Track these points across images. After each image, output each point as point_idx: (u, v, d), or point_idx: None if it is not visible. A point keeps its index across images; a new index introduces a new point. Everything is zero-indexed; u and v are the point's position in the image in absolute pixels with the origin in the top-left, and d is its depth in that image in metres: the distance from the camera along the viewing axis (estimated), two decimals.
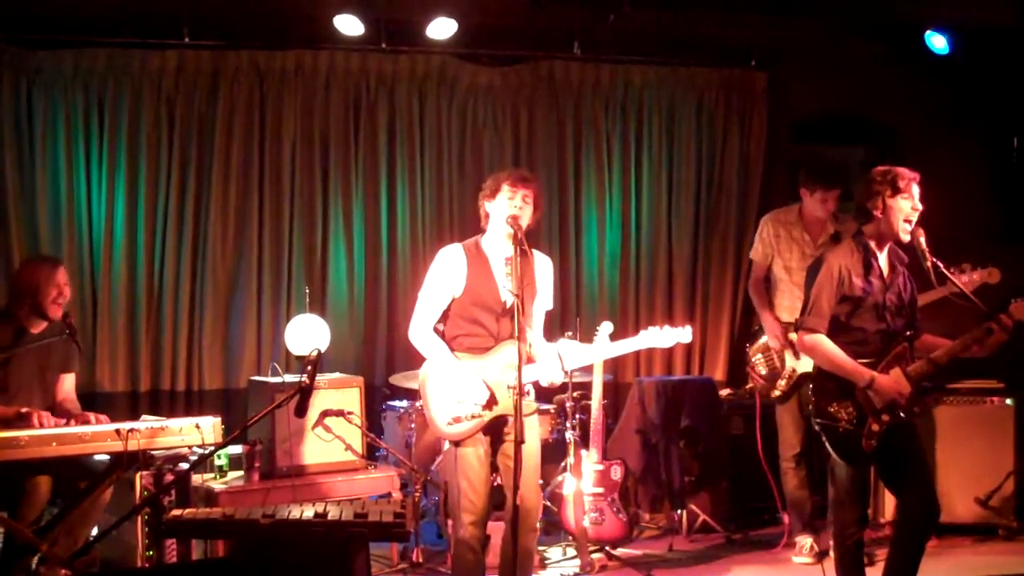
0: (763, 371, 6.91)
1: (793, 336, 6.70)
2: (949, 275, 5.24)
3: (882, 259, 5.21)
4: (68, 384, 6.05)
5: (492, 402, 5.03)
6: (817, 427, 5.18)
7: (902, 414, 5.05)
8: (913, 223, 5.12)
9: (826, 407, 5.11)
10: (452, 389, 5.08)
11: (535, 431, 5.16)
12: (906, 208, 5.10)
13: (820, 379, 5.22)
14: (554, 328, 7.75)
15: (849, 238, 5.31)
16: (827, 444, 5.17)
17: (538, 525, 5.42)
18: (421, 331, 5.16)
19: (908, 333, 5.21)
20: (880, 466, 5.28)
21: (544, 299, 5.33)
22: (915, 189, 5.14)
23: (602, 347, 5.78)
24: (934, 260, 5.18)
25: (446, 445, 5.13)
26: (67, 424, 5.59)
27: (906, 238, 5.15)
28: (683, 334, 5.49)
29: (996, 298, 5.34)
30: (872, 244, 5.20)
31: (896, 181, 5.12)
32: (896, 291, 5.21)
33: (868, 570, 5.60)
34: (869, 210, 5.16)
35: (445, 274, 5.15)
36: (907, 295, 5.26)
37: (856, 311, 5.15)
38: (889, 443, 5.07)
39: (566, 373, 5.19)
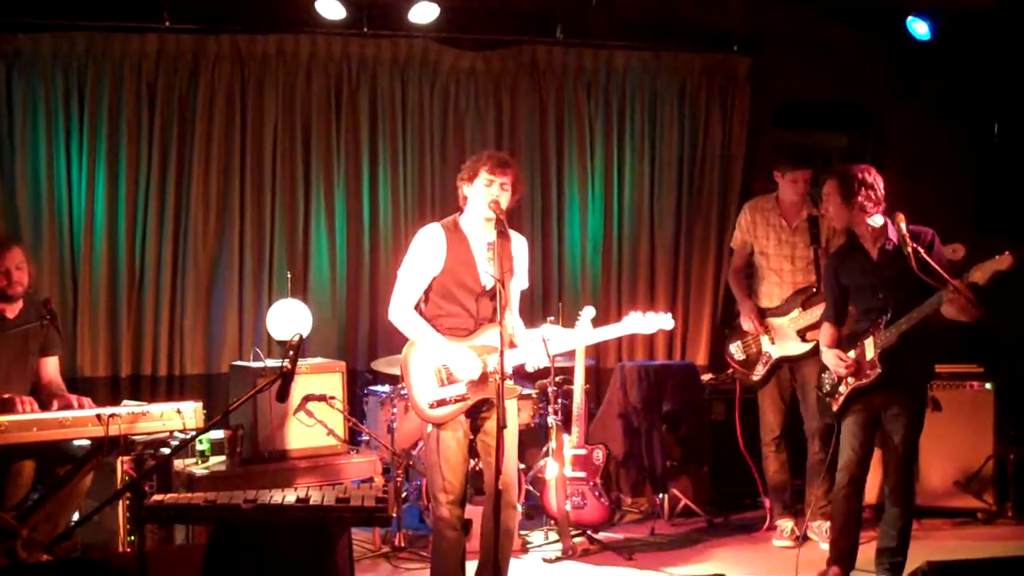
0: (740, 357, 6.94)
1: (770, 320, 6.76)
2: (929, 260, 5.27)
3: (872, 243, 5.58)
4: (52, 367, 6.03)
5: (480, 384, 5.05)
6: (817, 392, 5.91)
7: (860, 378, 5.55)
8: (836, 227, 6.03)
9: (821, 374, 5.83)
10: (441, 368, 5.09)
11: (513, 413, 5.19)
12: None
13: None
14: (536, 312, 7.81)
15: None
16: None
17: (518, 506, 5.44)
18: (403, 311, 5.17)
19: (907, 305, 5.44)
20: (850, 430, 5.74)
21: (520, 279, 5.34)
22: (831, 192, 5.61)
23: (584, 333, 5.79)
24: (915, 245, 5.24)
25: (429, 428, 5.14)
26: (49, 408, 5.59)
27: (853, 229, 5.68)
28: (665, 320, 5.50)
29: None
30: (904, 232, 5.43)
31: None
32: (890, 267, 5.50)
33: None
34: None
35: (425, 252, 5.15)
36: (906, 268, 5.37)
37: (852, 296, 5.73)
38: (874, 410, 5.61)
39: (550, 358, 5.20)
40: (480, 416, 5.18)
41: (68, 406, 5.63)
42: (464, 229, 5.20)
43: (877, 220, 5.54)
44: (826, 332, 5.82)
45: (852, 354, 5.59)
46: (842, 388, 5.62)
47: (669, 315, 5.51)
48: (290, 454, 6.24)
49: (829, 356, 5.68)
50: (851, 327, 5.74)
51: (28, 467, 5.57)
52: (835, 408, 5.66)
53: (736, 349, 6.97)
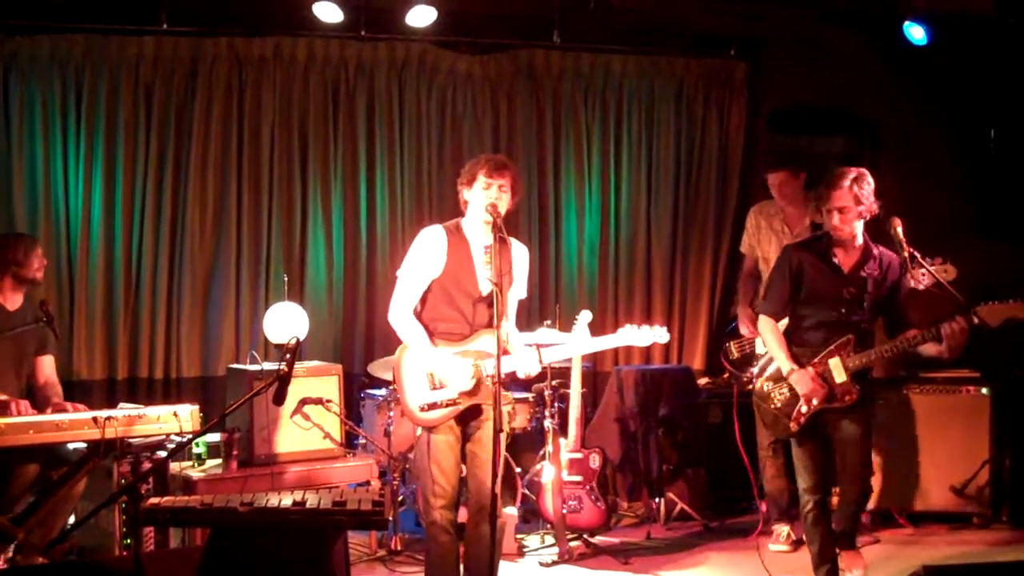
0: (735, 357, 6.97)
1: None
2: (925, 265, 5.28)
3: (844, 254, 5.38)
4: (48, 367, 6.04)
5: (473, 391, 5.04)
6: (753, 402, 5.64)
7: (834, 401, 5.36)
8: (836, 225, 5.31)
9: (762, 385, 5.60)
10: (432, 374, 5.08)
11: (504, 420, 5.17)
12: (828, 218, 5.33)
13: (764, 360, 5.64)
14: (533, 316, 7.81)
15: (813, 232, 5.52)
16: (758, 418, 5.69)
17: (508, 510, 5.44)
18: (401, 314, 5.15)
19: (863, 326, 5.39)
20: (810, 445, 5.55)
21: (519, 288, 5.33)
22: (835, 195, 5.27)
23: (579, 343, 5.81)
24: (911, 250, 5.23)
25: (418, 430, 5.15)
26: (44, 411, 5.59)
27: (842, 233, 5.33)
28: (660, 334, 5.50)
29: (966, 289, 5.37)
30: (829, 240, 5.37)
31: (822, 187, 5.35)
32: (860, 285, 5.35)
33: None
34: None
35: (426, 254, 5.14)
36: (876, 290, 5.36)
37: (809, 300, 5.45)
38: (819, 426, 5.44)
39: (542, 365, 5.19)
40: (472, 424, 5.17)
41: (63, 412, 5.63)
42: (466, 233, 5.19)
43: (859, 233, 5.42)
44: (770, 333, 5.51)
45: (810, 370, 5.37)
46: (804, 408, 5.39)
47: (664, 328, 5.51)
48: (286, 457, 6.24)
49: (802, 381, 5.36)
50: (801, 337, 5.48)
51: (31, 470, 5.57)
52: (795, 428, 5.44)
53: (732, 348, 7.02)
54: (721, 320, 8.51)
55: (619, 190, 8.53)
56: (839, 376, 5.34)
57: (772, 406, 5.53)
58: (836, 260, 5.38)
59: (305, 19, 7.60)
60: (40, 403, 5.78)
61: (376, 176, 8.02)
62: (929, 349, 5.27)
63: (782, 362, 5.45)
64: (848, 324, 5.36)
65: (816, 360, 5.38)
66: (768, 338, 5.54)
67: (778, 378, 5.53)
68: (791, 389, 5.43)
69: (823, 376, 5.36)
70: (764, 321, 5.57)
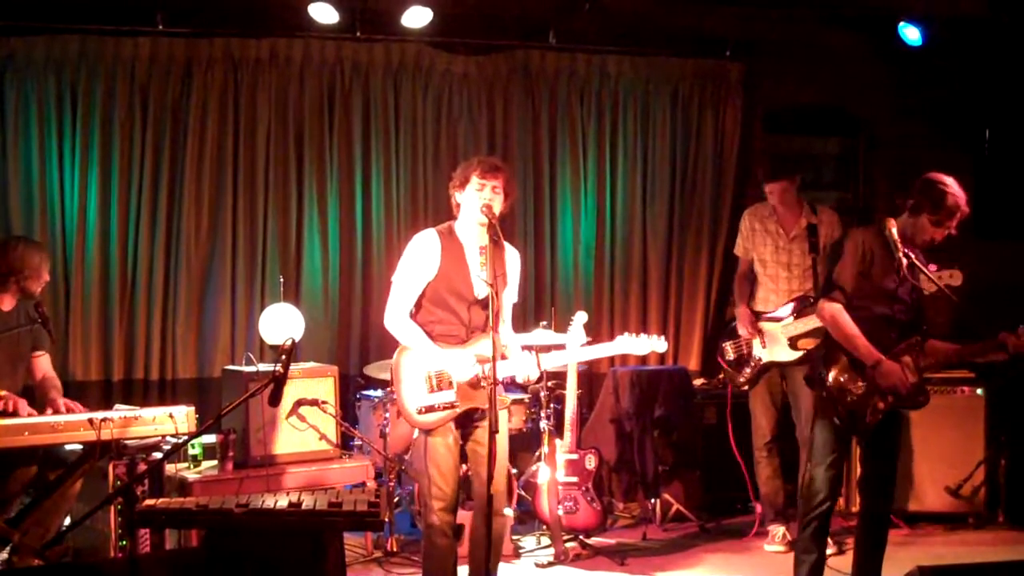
0: (731, 357, 6.97)
1: (763, 325, 6.78)
2: (920, 267, 5.28)
3: (903, 254, 5.23)
4: (45, 364, 6.05)
5: (470, 392, 5.05)
6: (826, 395, 5.22)
7: (907, 401, 5.17)
8: (938, 240, 5.23)
9: (838, 377, 5.19)
10: (432, 374, 5.08)
11: (504, 423, 5.18)
12: (935, 234, 5.21)
13: (832, 350, 5.28)
14: (529, 317, 7.80)
15: (875, 224, 5.31)
16: (836, 413, 5.22)
17: (507, 511, 5.45)
18: (398, 318, 5.16)
19: (924, 328, 5.27)
20: (870, 446, 5.40)
21: (511, 291, 5.33)
22: (956, 218, 5.18)
23: (575, 351, 5.83)
24: (905, 251, 5.21)
25: (416, 433, 5.15)
26: (43, 407, 5.59)
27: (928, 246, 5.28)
28: (658, 343, 5.51)
29: (963, 290, 5.36)
30: (896, 237, 5.20)
31: (937, 204, 5.16)
32: (909, 287, 5.26)
33: (838, 559, 5.66)
34: (902, 208, 5.28)
35: (420, 259, 5.14)
36: (918, 294, 5.31)
37: (867, 289, 5.20)
38: (881, 427, 5.22)
39: (541, 370, 5.21)
40: (471, 424, 5.18)
41: (57, 412, 5.63)
42: (459, 235, 5.19)
43: None
44: (844, 321, 5.12)
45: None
46: (882, 404, 5.14)
47: (662, 338, 5.52)
48: (282, 459, 6.24)
49: (892, 372, 5.07)
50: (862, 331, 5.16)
51: (26, 472, 5.58)
52: (871, 423, 5.17)
53: (728, 349, 7.02)
54: (717, 321, 8.51)
55: (615, 191, 8.53)
56: (911, 376, 5.15)
57: (850, 399, 5.16)
58: (898, 257, 5.18)
59: (301, 20, 7.60)
60: (39, 400, 5.78)
61: (372, 177, 8.02)
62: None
63: (865, 352, 5.10)
64: (899, 323, 5.23)
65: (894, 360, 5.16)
66: (845, 327, 5.13)
67: (852, 369, 5.19)
68: (867, 382, 5.14)
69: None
70: (831, 307, 5.17)
